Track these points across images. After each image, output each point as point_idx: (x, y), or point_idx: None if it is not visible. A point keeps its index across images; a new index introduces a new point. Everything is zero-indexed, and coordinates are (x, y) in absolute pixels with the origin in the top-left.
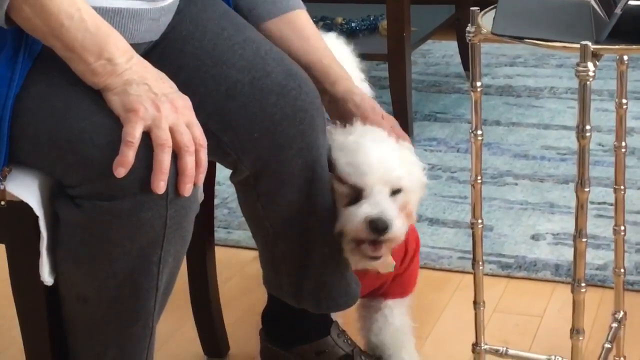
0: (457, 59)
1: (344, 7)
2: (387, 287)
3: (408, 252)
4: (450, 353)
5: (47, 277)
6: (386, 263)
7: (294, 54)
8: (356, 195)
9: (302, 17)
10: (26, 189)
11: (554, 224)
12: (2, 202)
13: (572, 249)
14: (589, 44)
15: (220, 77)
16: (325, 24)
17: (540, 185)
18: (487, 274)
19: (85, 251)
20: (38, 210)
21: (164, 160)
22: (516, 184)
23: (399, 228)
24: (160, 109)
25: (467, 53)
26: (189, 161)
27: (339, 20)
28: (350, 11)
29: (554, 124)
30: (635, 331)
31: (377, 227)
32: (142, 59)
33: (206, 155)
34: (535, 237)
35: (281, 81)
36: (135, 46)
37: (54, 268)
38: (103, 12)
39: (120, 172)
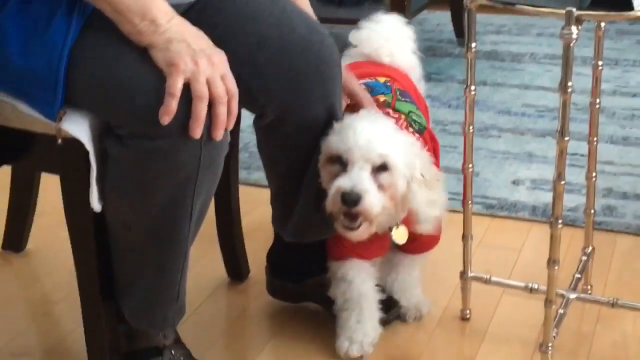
0: (450, 27)
1: None
2: (412, 245)
3: None
4: (441, 279)
5: (96, 204)
6: (400, 233)
7: None
8: (343, 171)
9: None
10: (79, 128)
11: (532, 172)
12: (59, 140)
13: (548, 193)
14: (574, 9)
15: (252, 32)
16: None
17: (520, 137)
18: (473, 213)
19: (129, 184)
20: (89, 146)
21: (201, 110)
22: (499, 137)
23: (371, 202)
24: (198, 63)
25: (458, 22)
26: (222, 111)
27: None
28: None
29: (533, 85)
30: (600, 264)
31: (348, 199)
32: (182, 19)
33: (237, 104)
34: (515, 182)
35: (305, 35)
36: (175, 6)
37: (102, 197)
38: None
39: (165, 119)
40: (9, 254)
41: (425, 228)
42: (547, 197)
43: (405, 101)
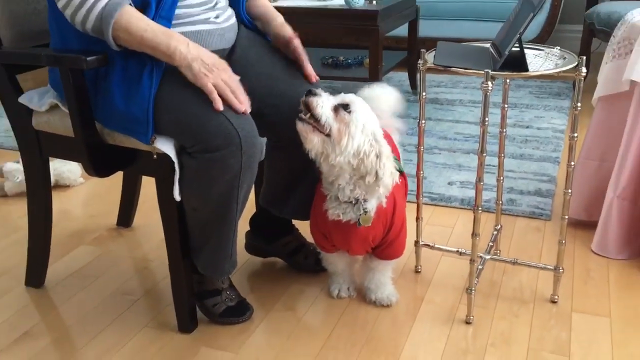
0: (407, 82)
1: (344, 51)
2: (379, 251)
3: (394, 226)
4: None
5: (177, 196)
6: (366, 218)
7: (254, 9)
8: None
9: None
10: (167, 147)
11: (461, 176)
12: (155, 155)
13: (471, 191)
14: (490, 70)
15: (272, 86)
16: (332, 60)
17: (453, 154)
18: (423, 204)
19: (195, 182)
20: (174, 158)
21: (216, 97)
22: (440, 153)
23: (322, 106)
24: (212, 72)
25: (412, 79)
26: (229, 97)
27: (341, 58)
28: (347, 53)
29: (462, 120)
30: (506, 236)
31: (306, 94)
32: (196, 44)
33: (240, 89)
34: (450, 183)
35: (295, 90)
36: (214, 51)
37: (181, 191)
38: (189, 34)
39: (219, 108)
40: (121, 229)
41: (383, 191)
42: (471, 193)
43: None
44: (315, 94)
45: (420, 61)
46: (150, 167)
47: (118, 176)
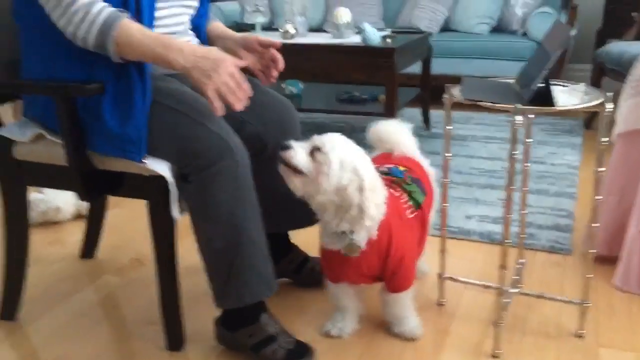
0: (419, 118)
1: (357, 87)
2: (386, 284)
3: (391, 256)
4: (426, 279)
5: (176, 213)
6: (351, 249)
7: (214, 32)
8: None
9: (218, 23)
10: (160, 167)
11: (478, 210)
12: (148, 174)
13: (489, 224)
14: (519, 105)
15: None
16: (348, 96)
17: (470, 188)
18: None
19: (202, 207)
20: (168, 176)
21: (216, 105)
22: (457, 187)
23: (297, 155)
24: (211, 77)
25: (425, 115)
26: (228, 99)
27: (356, 93)
28: (361, 89)
29: (476, 155)
30: (527, 270)
31: (281, 147)
32: (191, 48)
33: (240, 83)
34: (468, 217)
35: (285, 102)
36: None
37: (192, 226)
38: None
39: (218, 112)
40: (141, 258)
41: (369, 223)
42: (490, 227)
43: (412, 184)
44: (287, 147)
45: (445, 95)
46: (142, 189)
47: (132, 206)
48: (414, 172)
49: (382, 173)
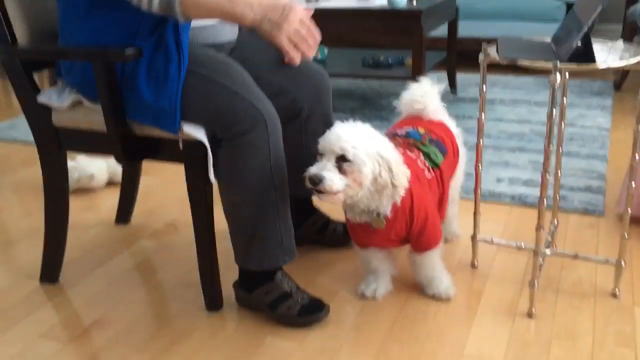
0: (445, 82)
1: (383, 52)
2: (413, 245)
3: (415, 219)
4: (458, 241)
5: (212, 177)
6: (379, 221)
7: None
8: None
9: None
10: (197, 132)
11: (508, 173)
12: (181, 146)
13: (520, 187)
14: (558, 62)
15: (275, 64)
16: (374, 60)
17: (499, 152)
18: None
19: (231, 173)
20: (205, 141)
21: (292, 55)
22: (486, 151)
23: (331, 182)
24: (282, 27)
25: (452, 79)
26: (302, 48)
27: (382, 58)
28: (386, 53)
29: (504, 119)
30: (560, 232)
31: (312, 180)
32: (259, 0)
33: (310, 30)
34: (498, 180)
35: (319, 70)
36: (225, 43)
37: (219, 188)
38: (206, 28)
39: (296, 61)
40: (176, 223)
41: (403, 193)
42: (520, 189)
43: (429, 145)
44: (318, 180)
45: (481, 55)
46: (179, 153)
47: (164, 173)
48: (435, 133)
49: (399, 136)
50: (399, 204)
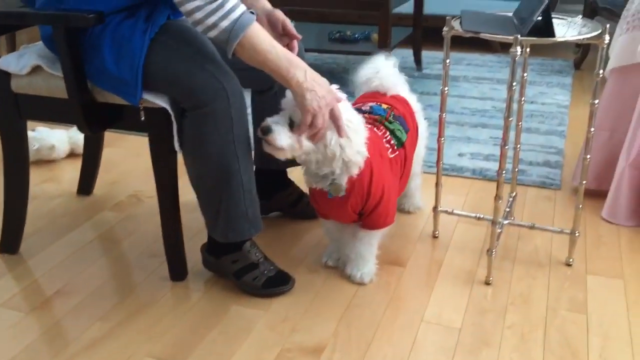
0: (411, 59)
1: (351, 27)
2: (363, 220)
3: (371, 196)
4: (420, 212)
5: (177, 146)
6: (337, 188)
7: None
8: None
9: None
10: (161, 101)
11: (470, 148)
12: (142, 117)
13: (481, 162)
14: (519, 35)
15: None
16: (340, 35)
17: (462, 127)
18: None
19: (194, 144)
20: (170, 109)
21: (304, 127)
22: (448, 127)
23: (278, 136)
24: (321, 107)
25: (418, 56)
26: (317, 127)
27: (348, 33)
28: (353, 28)
29: (467, 95)
30: (519, 204)
31: (261, 128)
32: (313, 72)
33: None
34: (460, 155)
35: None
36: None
37: (184, 160)
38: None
39: (317, 139)
40: (139, 194)
41: (354, 171)
42: (481, 164)
43: (394, 122)
44: (265, 131)
45: (445, 28)
46: (143, 122)
47: (127, 145)
48: (397, 109)
49: (363, 112)
50: (355, 176)
